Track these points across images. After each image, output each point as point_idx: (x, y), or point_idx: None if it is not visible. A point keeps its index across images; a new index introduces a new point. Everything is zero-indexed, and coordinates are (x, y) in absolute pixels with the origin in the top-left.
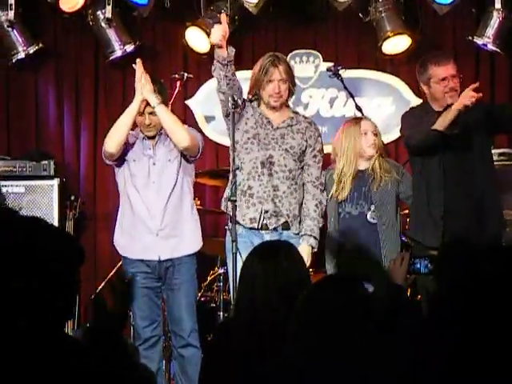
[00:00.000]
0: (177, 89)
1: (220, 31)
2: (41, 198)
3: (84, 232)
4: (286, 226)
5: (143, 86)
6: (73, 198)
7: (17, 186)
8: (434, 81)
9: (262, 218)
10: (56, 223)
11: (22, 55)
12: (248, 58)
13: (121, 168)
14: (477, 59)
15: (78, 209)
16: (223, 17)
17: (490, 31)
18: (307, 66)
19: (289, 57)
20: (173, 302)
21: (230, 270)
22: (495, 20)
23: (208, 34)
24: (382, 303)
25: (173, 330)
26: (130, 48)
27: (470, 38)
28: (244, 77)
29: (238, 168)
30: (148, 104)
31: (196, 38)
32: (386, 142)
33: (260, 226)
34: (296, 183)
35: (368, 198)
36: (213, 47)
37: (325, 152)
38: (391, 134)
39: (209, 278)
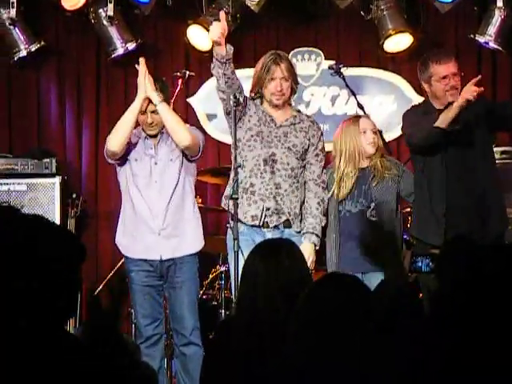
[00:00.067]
0: (178, 87)
1: (219, 28)
2: (42, 196)
3: (85, 230)
4: (287, 224)
5: (146, 84)
6: (74, 196)
7: (18, 183)
8: (434, 79)
9: (263, 216)
10: (57, 221)
11: (23, 53)
12: (249, 56)
13: (123, 167)
14: (478, 57)
15: (80, 207)
16: (222, 14)
17: (492, 29)
18: (309, 64)
19: (290, 55)
20: (175, 300)
21: (231, 268)
22: (497, 18)
23: None
24: (382, 303)
25: (174, 328)
26: (131, 46)
27: (472, 36)
28: (245, 75)
29: (239, 166)
30: (150, 102)
31: (198, 36)
32: (387, 140)
33: (261, 224)
34: (298, 181)
35: (368, 195)
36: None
37: (326, 150)
38: (393, 132)
39: (210, 276)
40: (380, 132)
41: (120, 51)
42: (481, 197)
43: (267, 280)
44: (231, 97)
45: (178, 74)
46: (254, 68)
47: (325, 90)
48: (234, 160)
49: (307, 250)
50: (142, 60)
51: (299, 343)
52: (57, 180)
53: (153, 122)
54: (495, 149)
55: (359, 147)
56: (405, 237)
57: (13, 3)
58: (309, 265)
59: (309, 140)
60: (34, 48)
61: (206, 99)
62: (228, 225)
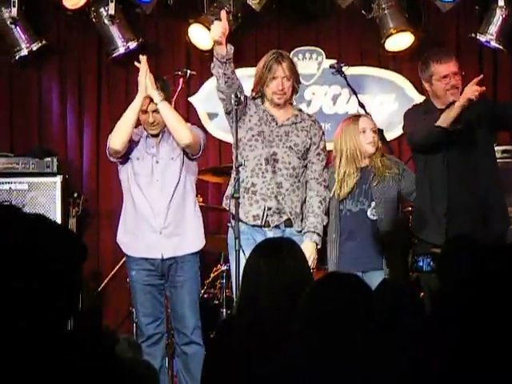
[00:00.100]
0: (180, 86)
1: (220, 28)
2: (43, 195)
3: (87, 229)
4: (288, 224)
5: (147, 82)
6: (76, 195)
7: (20, 182)
8: (435, 78)
9: (265, 215)
10: (59, 220)
11: (25, 52)
12: (251, 56)
13: (124, 166)
14: (480, 56)
15: (81, 206)
16: (223, 14)
17: (493, 28)
18: (310, 63)
19: (292, 54)
20: (176, 299)
21: (232, 267)
22: (498, 17)
23: None
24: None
25: (176, 327)
26: (132, 45)
27: (473, 35)
28: (247, 74)
29: (241, 165)
30: (151, 102)
31: (199, 35)
32: (388, 139)
33: (263, 223)
34: (299, 181)
35: (368, 194)
36: None
37: (327, 149)
38: (394, 132)
39: (212, 275)
40: (381, 131)
41: (121, 50)
42: (483, 196)
43: (270, 279)
44: (232, 96)
45: (179, 73)
46: (255, 67)
47: (326, 89)
48: (235, 159)
49: (308, 248)
50: (142, 58)
51: (301, 342)
52: (58, 179)
53: (154, 121)
54: (496, 148)
55: (359, 147)
56: None
57: (14, 2)
58: (310, 264)
59: (310, 139)
60: (35, 47)
61: (207, 98)
62: (229, 224)
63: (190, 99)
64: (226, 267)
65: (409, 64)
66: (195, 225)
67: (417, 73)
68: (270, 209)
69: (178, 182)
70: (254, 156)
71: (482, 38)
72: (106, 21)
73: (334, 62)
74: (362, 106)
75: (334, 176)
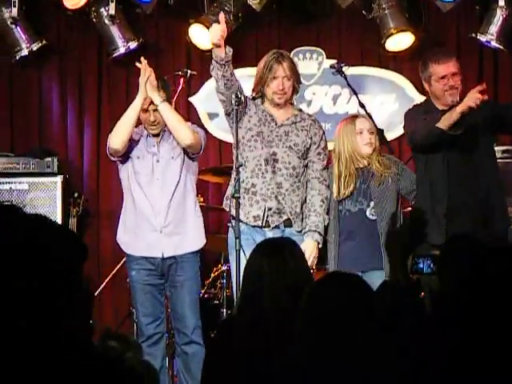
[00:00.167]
0: (180, 86)
1: (218, 31)
2: (44, 195)
3: (87, 229)
4: (288, 224)
5: (147, 83)
6: (76, 195)
7: (20, 182)
8: (434, 79)
9: (265, 216)
10: (59, 220)
11: (25, 52)
12: (251, 56)
13: (124, 165)
14: (480, 56)
15: (82, 206)
16: (222, 16)
17: (494, 28)
18: (310, 63)
19: (292, 54)
20: (176, 299)
21: (233, 266)
22: (499, 17)
23: None
24: (385, 302)
25: (176, 327)
26: (133, 45)
27: (474, 35)
28: (247, 74)
29: (241, 165)
30: (152, 101)
31: (199, 35)
32: (389, 140)
33: (264, 224)
34: (299, 181)
35: (367, 194)
36: None
37: (328, 149)
38: (394, 132)
39: (212, 275)
40: (381, 131)
41: (121, 50)
42: (483, 196)
43: (272, 279)
44: (233, 96)
45: (180, 72)
46: (255, 67)
47: (326, 89)
48: (235, 160)
49: (309, 247)
50: (143, 61)
51: (302, 342)
52: (58, 179)
53: (155, 120)
54: (496, 148)
55: (356, 148)
56: None
57: (14, 2)
58: (310, 262)
59: (310, 139)
60: (35, 47)
61: (208, 98)
62: (229, 224)
63: (191, 99)
64: (226, 267)
65: (409, 64)
66: (195, 224)
67: (417, 73)
68: (270, 209)
69: (178, 181)
70: (253, 156)
71: (483, 38)
72: (106, 21)
73: (334, 62)
74: (362, 106)
75: (332, 177)
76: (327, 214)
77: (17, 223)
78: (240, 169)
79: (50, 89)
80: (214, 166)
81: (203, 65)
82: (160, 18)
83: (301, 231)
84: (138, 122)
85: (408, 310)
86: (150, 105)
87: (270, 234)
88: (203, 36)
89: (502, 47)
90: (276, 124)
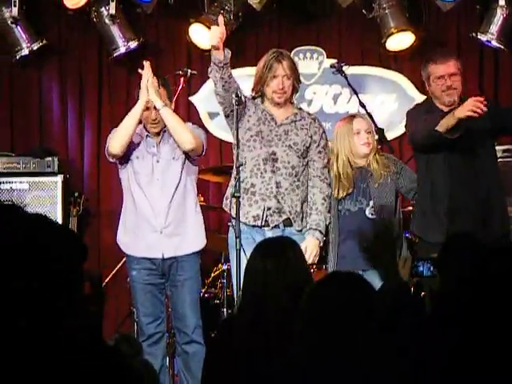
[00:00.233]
0: (180, 85)
1: (218, 33)
2: (44, 195)
3: (87, 229)
4: (287, 223)
5: (149, 87)
6: (76, 194)
7: (20, 182)
8: (432, 79)
9: (265, 215)
10: (59, 220)
11: (25, 52)
12: (251, 55)
13: (124, 166)
14: (481, 56)
15: (82, 205)
16: (221, 19)
17: (494, 28)
18: (311, 62)
19: (292, 53)
20: (177, 298)
21: (233, 266)
22: (499, 17)
23: None
24: (385, 302)
25: (177, 326)
26: (133, 45)
27: (474, 34)
28: (247, 73)
29: (241, 165)
30: None
31: (200, 35)
32: (389, 139)
33: (263, 224)
34: (299, 180)
35: (367, 194)
36: None
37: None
38: (395, 131)
39: (212, 275)
40: (382, 130)
41: (122, 50)
42: (484, 197)
43: (273, 279)
44: (233, 95)
45: (180, 72)
46: (255, 67)
47: (327, 89)
48: (235, 159)
49: (310, 245)
50: (146, 63)
51: (302, 342)
52: (59, 179)
53: (156, 118)
54: (497, 147)
55: (353, 148)
56: (406, 235)
57: (15, 2)
58: (311, 260)
59: (310, 137)
60: (35, 47)
61: (208, 97)
62: (229, 223)
63: (191, 99)
64: (226, 266)
65: (409, 64)
66: (196, 224)
67: (417, 72)
68: (269, 209)
69: (178, 182)
70: (252, 157)
71: (483, 38)
72: (106, 20)
73: (334, 61)
74: (362, 105)
75: (331, 176)
76: (329, 212)
77: (17, 223)
78: (240, 168)
79: (51, 88)
80: (214, 165)
81: (203, 64)
82: (160, 18)
83: (301, 230)
84: (138, 122)
85: (408, 310)
86: (151, 102)
87: (269, 233)
88: (203, 35)
89: (502, 47)
90: (276, 123)
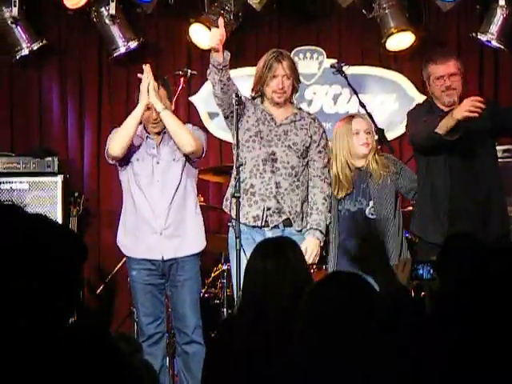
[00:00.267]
0: (180, 85)
1: (217, 35)
2: (44, 195)
3: (87, 229)
4: (287, 223)
5: (150, 89)
6: (76, 194)
7: (20, 182)
8: (432, 79)
9: (264, 216)
10: (59, 220)
11: (25, 52)
12: (251, 55)
13: (124, 167)
14: (481, 56)
15: (82, 206)
16: (220, 21)
17: (494, 28)
18: (311, 62)
19: (292, 53)
20: (177, 298)
21: (233, 266)
22: (499, 17)
23: None
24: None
25: (177, 326)
26: (133, 45)
27: (474, 34)
28: (247, 73)
29: (241, 165)
30: None
31: (200, 35)
32: (389, 139)
33: (263, 224)
34: (299, 180)
35: (367, 194)
36: None
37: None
38: (395, 131)
39: (212, 275)
40: (382, 130)
41: (122, 50)
42: (485, 197)
43: (273, 279)
44: (233, 95)
45: (180, 72)
46: (255, 66)
47: (327, 89)
48: (235, 159)
49: (310, 245)
50: (146, 67)
51: (302, 342)
52: (59, 179)
53: (157, 118)
54: (497, 147)
55: (352, 148)
56: (406, 235)
57: (15, 2)
58: (312, 260)
59: (310, 137)
60: (35, 47)
61: (208, 98)
62: (230, 223)
63: (191, 99)
64: (226, 267)
65: (409, 64)
66: (196, 226)
67: (417, 72)
68: (269, 209)
69: (179, 184)
70: (251, 157)
71: (483, 38)
72: (106, 20)
73: (334, 61)
74: (362, 105)
75: (331, 176)
76: (329, 212)
77: (17, 223)
78: (240, 169)
79: (51, 88)
80: (214, 165)
81: (203, 64)
82: (160, 18)
83: (301, 230)
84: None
85: (408, 310)
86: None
87: (269, 233)
88: (203, 35)
89: (502, 47)
90: (275, 123)
